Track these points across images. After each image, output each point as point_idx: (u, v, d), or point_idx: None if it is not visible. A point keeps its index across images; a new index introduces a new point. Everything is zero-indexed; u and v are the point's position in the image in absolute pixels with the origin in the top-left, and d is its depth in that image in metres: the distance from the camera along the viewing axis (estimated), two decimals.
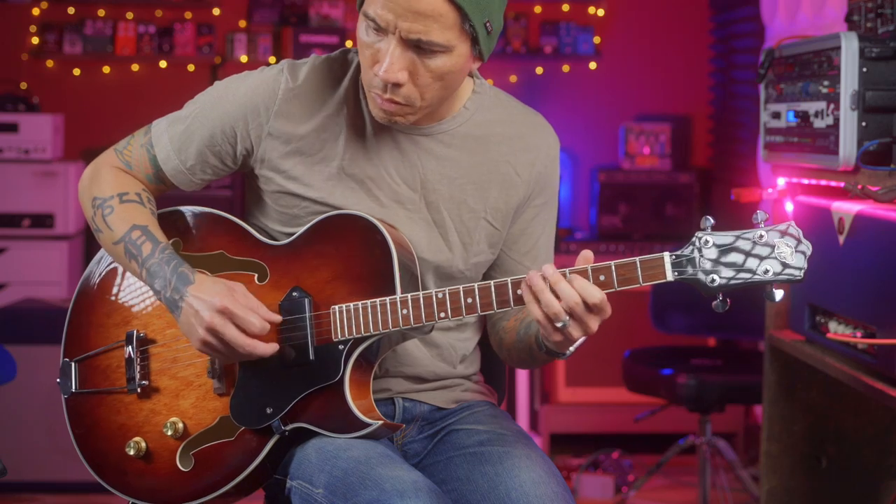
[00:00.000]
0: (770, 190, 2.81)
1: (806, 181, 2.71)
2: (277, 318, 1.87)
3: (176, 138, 1.98)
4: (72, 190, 4.82)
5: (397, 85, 1.81)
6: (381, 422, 1.86)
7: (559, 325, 1.74)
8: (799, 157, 2.61)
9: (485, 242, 2.00)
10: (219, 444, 1.93)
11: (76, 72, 5.30)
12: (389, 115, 1.86)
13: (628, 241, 4.91)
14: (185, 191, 2.03)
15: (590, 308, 1.73)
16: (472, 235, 1.98)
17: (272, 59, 5.24)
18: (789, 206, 2.71)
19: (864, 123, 2.35)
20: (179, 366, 1.97)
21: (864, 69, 2.35)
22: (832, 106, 2.41)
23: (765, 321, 2.86)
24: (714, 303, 1.72)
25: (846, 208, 2.35)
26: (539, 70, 5.38)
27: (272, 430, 1.89)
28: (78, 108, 5.26)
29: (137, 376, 1.98)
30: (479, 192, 1.98)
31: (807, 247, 1.69)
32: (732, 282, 1.70)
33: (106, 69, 5.31)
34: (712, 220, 1.71)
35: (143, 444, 1.97)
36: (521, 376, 4.64)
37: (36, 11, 5.24)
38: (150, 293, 2.00)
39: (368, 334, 1.85)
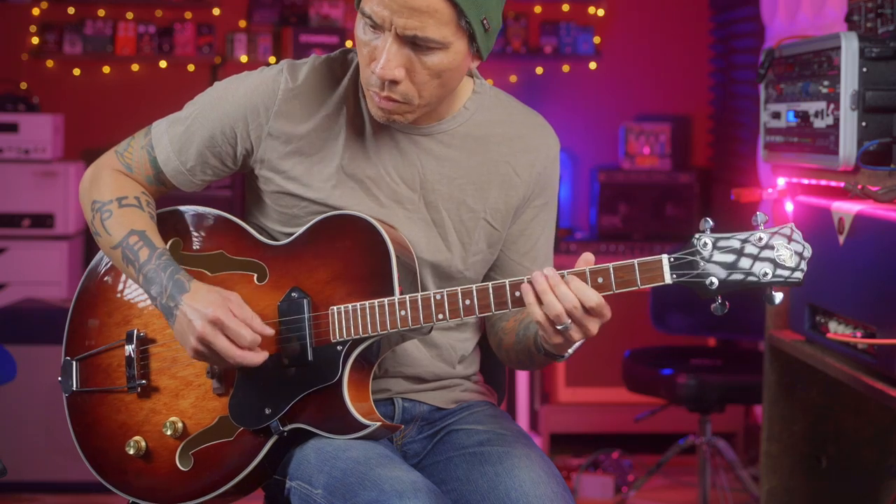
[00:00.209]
0: (770, 190, 2.81)
1: (806, 181, 2.71)
2: (270, 331, 1.87)
3: (176, 139, 1.98)
4: (72, 190, 4.82)
5: (394, 82, 1.81)
6: (379, 423, 1.86)
7: (560, 327, 1.73)
8: (799, 157, 2.61)
9: (484, 242, 2.00)
10: (218, 444, 1.93)
11: (76, 72, 5.30)
12: (388, 113, 1.86)
13: (628, 241, 4.91)
14: (186, 191, 2.03)
15: (588, 311, 1.73)
16: (472, 235, 1.98)
17: (272, 59, 5.24)
18: (789, 207, 2.71)
19: (864, 123, 2.35)
20: (179, 366, 1.97)
21: (864, 69, 2.35)
22: (832, 106, 2.41)
23: (765, 321, 2.86)
24: (713, 305, 1.71)
25: (846, 208, 2.35)
26: (539, 70, 5.38)
27: (271, 430, 1.89)
28: (78, 108, 5.26)
29: (137, 375, 1.98)
30: (479, 192, 1.97)
31: (807, 250, 1.68)
32: (731, 285, 1.69)
33: (106, 69, 5.31)
34: (711, 223, 1.71)
35: (143, 444, 1.97)
36: (521, 376, 4.64)
37: (36, 11, 5.24)
38: None
39: (367, 335, 1.84)
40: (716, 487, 4.01)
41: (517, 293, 1.77)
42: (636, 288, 1.73)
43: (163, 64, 5.28)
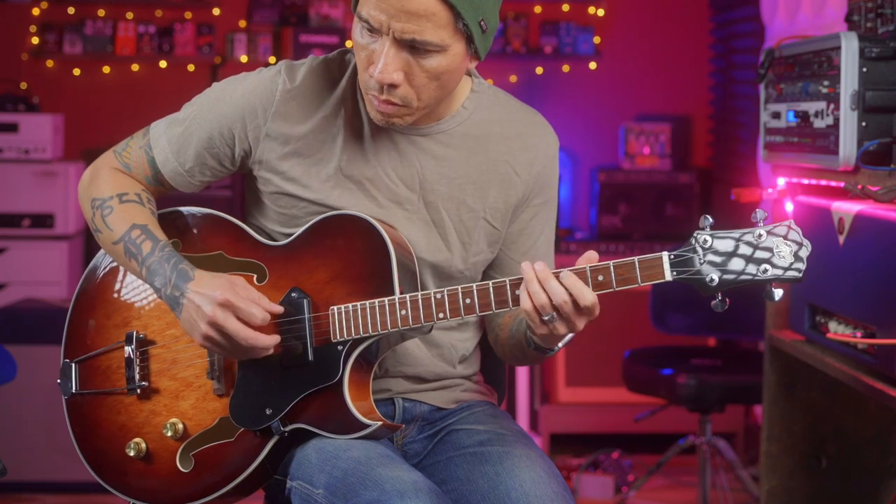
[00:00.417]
0: (770, 190, 2.81)
1: (806, 181, 2.71)
2: (279, 308, 1.87)
3: (174, 140, 1.98)
4: (72, 190, 4.82)
5: (393, 86, 1.81)
6: (380, 422, 1.86)
7: (546, 318, 1.74)
8: (799, 157, 2.61)
9: (484, 242, 2.00)
10: (219, 445, 1.93)
11: (76, 72, 5.30)
12: (387, 116, 1.86)
13: (628, 241, 4.91)
14: (185, 192, 2.03)
15: (580, 309, 1.73)
16: (472, 235, 1.98)
17: (272, 60, 5.24)
18: (789, 206, 2.71)
19: (864, 123, 2.35)
20: (179, 367, 1.97)
21: (864, 69, 2.35)
22: (832, 106, 2.41)
23: (765, 321, 2.86)
24: (713, 302, 1.72)
25: (846, 208, 2.35)
26: (539, 70, 5.38)
27: (272, 430, 1.89)
28: (78, 108, 5.26)
29: (137, 377, 1.98)
30: (478, 191, 1.97)
31: (806, 246, 1.69)
32: (731, 281, 1.70)
33: (106, 69, 5.31)
34: (711, 220, 1.71)
35: (144, 445, 1.97)
36: (521, 376, 4.64)
37: (36, 11, 5.24)
38: (150, 294, 2.01)
39: (367, 335, 1.84)
40: (716, 487, 4.01)
41: (517, 291, 1.77)
42: (636, 285, 1.73)
43: (163, 64, 5.28)
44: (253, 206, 2.04)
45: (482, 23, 1.81)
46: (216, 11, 5.30)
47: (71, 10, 5.24)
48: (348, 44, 5.11)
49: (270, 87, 1.94)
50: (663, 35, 5.37)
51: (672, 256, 1.71)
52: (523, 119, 2.02)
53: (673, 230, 4.91)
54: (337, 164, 1.94)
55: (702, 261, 1.70)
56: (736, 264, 1.69)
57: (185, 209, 2.03)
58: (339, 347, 1.86)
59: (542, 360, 2.00)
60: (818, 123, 2.48)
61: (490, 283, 1.79)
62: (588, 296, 1.72)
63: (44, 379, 3.75)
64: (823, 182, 2.61)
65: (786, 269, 1.68)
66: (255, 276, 1.94)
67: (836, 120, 2.38)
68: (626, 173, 4.98)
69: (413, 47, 1.79)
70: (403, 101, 1.84)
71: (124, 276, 2.04)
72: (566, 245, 4.83)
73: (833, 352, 2.46)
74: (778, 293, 1.70)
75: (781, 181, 2.79)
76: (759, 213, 1.70)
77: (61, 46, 5.21)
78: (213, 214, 2.01)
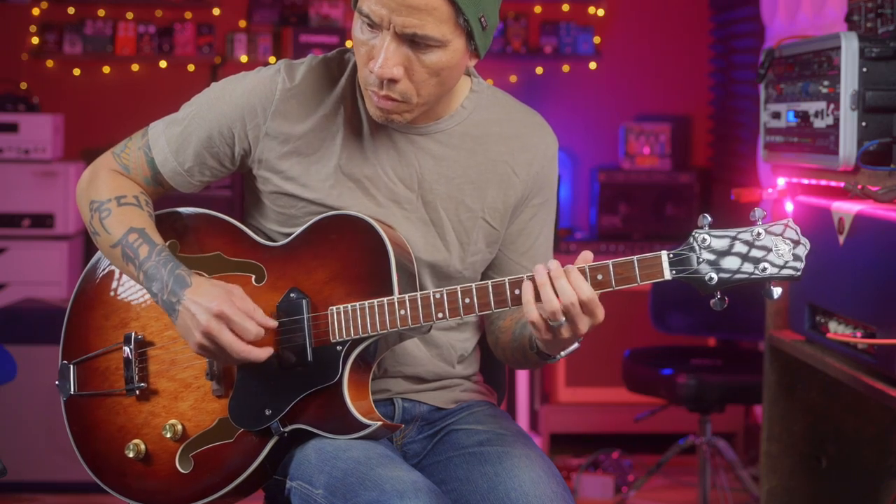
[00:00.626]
0: (770, 190, 2.81)
1: (806, 181, 2.71)
2: (273, 323, 1.86)
3: (173, 140, 1.98)
4: (72, 190, 4.82)
5: (393, 81, 1.81)
6: (379, 423, 1.86)
7: (553, 324, 1.73)
8: (799, 157, 2.61)
9: (483, 242, 2.00)
10: (218, 446, 1.92)
11: (76, 72, 5.30)
12: (386, 113, 1.86)
13: (628, 241, 4.91)
14: (184, 192, 2.03)
15: (582, 306, 1.72)
16: (470, 235, 1.98)
17: (272, 59, 5.24)
18: (789, 206, 2.71)
19: (864, 123, 2.35)
20: (178, 368, 1.97)
21: (864, 69, 2.34)
22: (832, 106, 2.41)
23: (765, 321, 2.86)
24: (712, 301, 1.72)
25: (846, 208, 2.35)
26: (539, 70, 5.38)
27: (271, 431, 1.88)
28: (78, 108, 5.26)
29: (136, 378, 1.98)
30: (477, 191, 1.97)
31: (805, 244, 1.69)
32: (731, 279, 1.70)
33: (106, 69, 5.31)
34: (710, 218, 1.71)
35: (143, 447, 1.97)
36: (521, 376, 4.64)
37: (36, 11, 5.24)
38: (148, 295, 2.00)
39: (366, 335, 1.84)
40: (716, 487, 4.01)
41: (517, 291, 1.77)
42: (636, 284, 1.73)
43: (163, 64, 5.28)
44: (252, 206, 2.03)
45: (482, 19, 1.81)
46: (216, 11, 5.30)
47: (71, 10, 5.24)
48: (348, 44, 5.11)
49: (270, 86, 1.94)
50: (663, 35, 5.37)
51: (671, 255, 1.71)
52: (522, 119, 2.02)
53: (673, 230, 4.91)
54: (336, 162, 1.94)
55: (701, 259, 1.70)
56: (735, 263, 1.69)
57: (182, 210, 2.03)
58: (339, 348, 1.86)
59: (543, 366, 1.99)
60: (818, 123, 2.47)
61: (489, 282, 1.79)
62: (586, 289, 1.71)
63: (44, 379, 3.74)
64: (823, 182, 2.61)
65: (784, 267, 1.68)
66: (254, 276, 1.93)
67: (836, 120, 2.38)
68: (626, 173, 4.97)
69: (413, 42, 1.79)
70: (403, 97, 1.83)
71: (122, 277, 2.04)
72: (566, 245, 4.82)
73: (833, 352, 2.46)
74: (777, 291, 1.70)
75: (781, 181, 2.79)
76: (758, 212, 1.70)
77: (61, 46, 5.21)
78: (211, 215, 2.01)
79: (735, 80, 4.95)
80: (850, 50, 2.35)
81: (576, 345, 1.80)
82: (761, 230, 1.69)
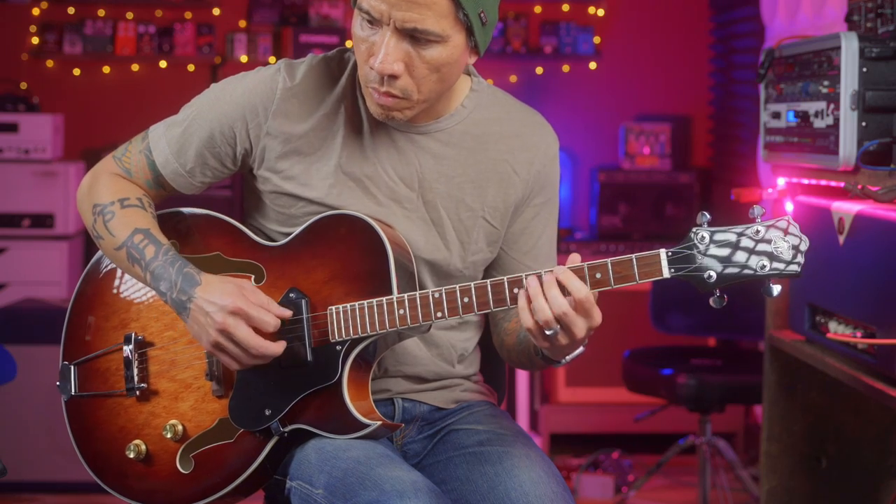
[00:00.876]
0: (770, 190, 2.81)
1: (806, 181, 2.71)
2: (288, 313, 1.86)
3: (174, 141, 1.98)
4: (72, 190, 4.82)
5: (394, 77, 1.81)
6: (379, 422, 1.86)
7: (549, 332, 1.73)
8: (799, 157, 2.61)
9: (483, 241, 2.00)
10: (218, 447, 1.92)
11: (76, 72, 5.30)
12: (387, 110, 1.86)
13: (628, 241, 4.91)
14: (186, 194, 2.03)
15: (576, 308, 1.71)
16: (471, 234, 1.98)
17: (272, 59, 5.24)
18: (789, 206, 2.71)
19: (864, 123, 2.35)
20: (178, 368, 1.97)
21: (864, 69, 2.34)
22: (832, 106, 2.41)
23: (765, 321, 2.86)
24: (711, 299, 1.71)
25: (846, 208, 2.35)
26: (539, 70, 5.38)
27: (271, 431, 1.88)
28: (78, 108, 5.26)
29: (136, 379, 1.98)
30: (478, 190, 1.97)
31: (804, 241, 1.68)
32: (730, 277, 1.69)
33: (106, 69, 5.31)
34: (708, 216, 1.71)
35: (143, 447, 1.97)
36: (521, 376, 4.64)
37: (36, 11, 5.24)
38: (148, 295, 2.00)
39: (366, 335, 1.84)
40: (716, 487, 4.01)
41: (515, 290, 1.76)
42: (634, 283, 1.72)
43: (163, 64, 5.28)
44: (252, 206, 2.03)
45: (482, 14, 1.81)
46: (216, 11, 5.30)
47: (71, 10, 5.24)
48: (348, 44, 5.12)
49: (270, 86, 1.94)
50: (663, 35, 5.37)
51: (670, 253, 1.71)
52: (523, 118, 2.02)
53: (673, 230, 4.91)
54: (337, 161, 1.94)
55: (700, 257, 1.70)
56: (734, 260, 1.69)
57: (182, 210, 2.03)
58: (338, 347, 1.86)
59: (547, 368, 1.99)
60: (818, 123, 2.47)
61: (488, 281, 1.78)
62: (582, 289, 1.71)
63: (44, 379, 3.75)
64: (823, 182, 2.61)
65: (784, 265, 1.68)
66: (253, 276, 1.93)
67: (836, 120, 2.38)
68: (626, 173, 4.97)
69: (414, 38, 1.79)
70: (403, 94, 1.83)
71: (122, 277, 2.04)
72: (566, 245, 4.83)
73: (833, 352, 2.45)
74: (776, 289, 1.69)
75: (781, 181, 2.79)
76: (757, 210, 1.69)
77: (61, 46, 5.21)
78: (211, 215, 2.01)
79: (735, 80, 4.95)
80: (850, 50, 2.35)
81: (581, 349, 1.79)
82: (760, 228, 1.69)
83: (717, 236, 1.70)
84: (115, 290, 2.04)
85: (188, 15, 5.31)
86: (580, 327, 1.72)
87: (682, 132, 5.35)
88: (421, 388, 2.03)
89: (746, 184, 4.19)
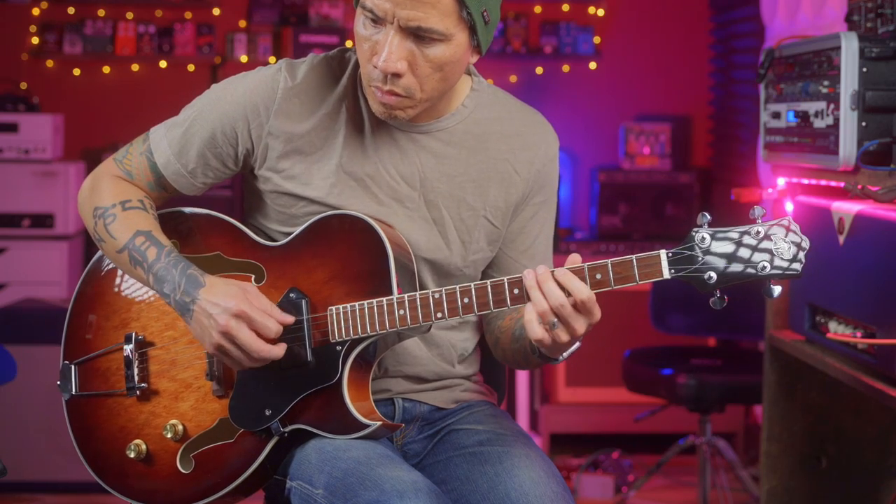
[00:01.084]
0: (770, 190, 2.81)
1: (806, 181, 2.71)
2: (290, 318, 1.86)
3: (175, 142, 1.98)
4: (72, 190, 4.82)
5: (397, 75, 1.81)
6: (379, 422, 1.86)
7: (547, 325, 1.73)
8: (799, 157, 2.61)
9: (484, 240, 2.00)
10: (219, 447, 1.92)
11: (76, 72, 5.30)
12: (389, 108, 1.85)
13: (628, 241, 4.91)
14: (188, 195, 2.03)
15: (578, 308, 1.72)
16: (472, 233, 1.98)
17: (272, 59, 5.24)
18: (789, 206, 2.71)
19: (864, 123, 2.35)
20: (178, 368, 1.97)
21: (864, 69, 2.34)
22: (832, 106, 2.41)
23: (765, 321, 2.86)
24: (711, 299, 1.71)
25: (846, 208, 2.35)
26: (539, 70, 5.38)
27: (271, 431, 1.88)
28: (78, 108, 5.26)
29: (136, 379, 1.98)
30: (479, 189, 1.97)
31: (804, 242, 1.68)
32: (730, 278, 1.69)
33: (106, 69, 5.31)
34: (709, 217, 1.71)
35: (144, 447, 1.97)
36: (521, 376, 4.64)
37: (36, 11, 5.24)
38: (149, 295, 2.00)
39: (366, 335, 1.84)
40: (716, 487, 4.01)
41: (515, 291, 1.76)
42: (634, 283, 1.72)
43: (163, 64, 5.28)
44: (253, 206, 2.03)
45: (485, 13, 1.82)
46: (216, 11, 5.30)
47: (71, 10, 5.24)
48: (348, 43, 5.12)
49: (272, 85, 1.93)
50: (663, 35, 5.37)
51: (670, 254, 1.71)
52: (523, 118, 2.02)
53: (673, 230, 4.91)
54: (338, 160, 1.94)
55: (700, 258, 1.70)
56: (734, 261, 1.69)
57: (182, 209, 2.03)
58: (338, 348, 1.86)
59: (542, 365, 1.99)
60: (818, 123, 2.47)
61: (488, 282, 1.78)
62: (583, 290, 1.71)
63: (44, 379, 3.75)
64: (823, 182, 2.61)
65: (784, 265, 1.68)
66: (253, 276, 1.93)
67: (836, 120, 2.38)
68: (626, 173, 4.97)
69: (417, 36, 1.79)
70: (406, 92, 1.83)
71: (123, 277, 2.04)
72: (566, 245, 4.83)
73: (833, 352, 2.46)
74: (777, 290, 1.69)
75: (781, 181, 2.79)
76: (757, 210, 1.69)
77: (61, 46, 5.21)
78: (211, 215, 2.01)
79: (735, 80, 4.95)
80: (850, 50, 2.35)
81: (577, 345, 1.79)
82: (761, 228, 1.69)
83: (718, 237, 1.70)
84: (115, 290, 2.04)
85: (188, 15, 5.31)
86: (581, 324, 1.73)
87: (682, 132, 5.36)
88: (421, 388, 2.03)
89: (746, 184, 4.19)
